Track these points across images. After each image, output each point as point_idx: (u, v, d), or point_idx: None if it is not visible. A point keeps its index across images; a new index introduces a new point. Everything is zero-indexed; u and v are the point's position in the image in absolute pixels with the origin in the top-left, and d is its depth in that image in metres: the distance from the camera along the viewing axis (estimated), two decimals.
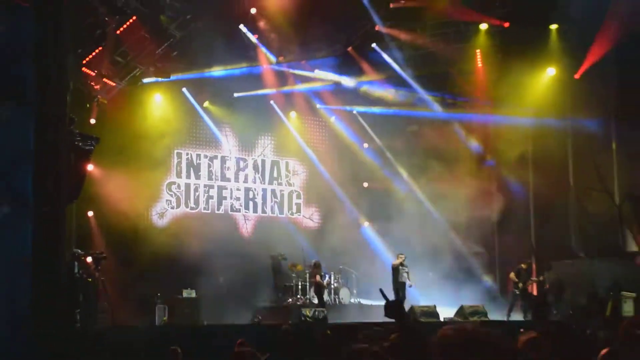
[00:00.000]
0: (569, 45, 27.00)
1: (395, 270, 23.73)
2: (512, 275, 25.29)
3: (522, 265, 25.37)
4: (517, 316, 24.85)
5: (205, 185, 30.05)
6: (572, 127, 27.79)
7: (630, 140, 25.99)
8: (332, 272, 27.07)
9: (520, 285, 24.78)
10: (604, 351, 5.62)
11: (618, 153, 26.61)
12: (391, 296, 19.12)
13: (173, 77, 27.57)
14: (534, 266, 28.03)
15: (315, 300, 25.54)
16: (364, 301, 27.00)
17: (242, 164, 30.96)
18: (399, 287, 23.57)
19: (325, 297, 26.15)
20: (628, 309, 23.68)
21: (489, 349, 3.13)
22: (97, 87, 25.37)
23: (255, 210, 31.00)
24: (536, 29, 26.87)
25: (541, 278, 26.40)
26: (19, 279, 12.81)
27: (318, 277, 24.75)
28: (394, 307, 4.76)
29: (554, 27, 27.00)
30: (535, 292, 27.07)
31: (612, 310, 24.25)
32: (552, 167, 28.16)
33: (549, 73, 27.98)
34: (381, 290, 5.01)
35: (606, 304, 24.96)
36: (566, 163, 28.26)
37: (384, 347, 6.62)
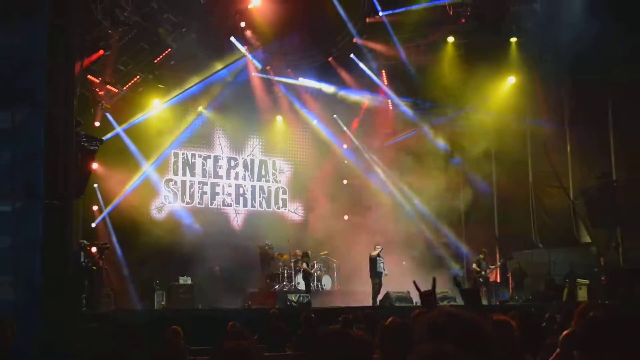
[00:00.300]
0: (526, 56, 27.10)
1: (373, 261, 23.71)
2: (474, 266, 25.36)
3: (480, 255, 25.42)
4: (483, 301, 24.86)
5: (199, 182, 30.08)
6: (531, 130, 27.88)
7: (582, 141, 26.12)
8: (315, 261, 27.04)
9: (483, 273, 24.80)
10: (565, 332, 5.62)
11: (572, 153, 26.71)
12: (369, 285, 19.06)
13: (170, 84, 27.56)
14: (497, 255, 28.09)
15: (301, 287, 25.53)
16: (344, 287, 27.03)
17: (233, 163, 31.00)
18: (377, 276, 23.53)
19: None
20: (582, 294, 23.80)
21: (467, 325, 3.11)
22: (101, 93, 25.33)
23: (245, 205, 31.05)
24: (497, 41, 26.96)
25: (498, 264, 26.44)
26: (32, 263, 12.77)
27: (304, 265, 24.69)
28: (472, 293, 4.81)
29: (513, 40, 27.08)
30: (498, 279, 27.14)
31: (568, 295, 24.38)
32: (513, 165, 28.24)
33: (510, 81, 28.05)
34: (455, 278, 5.11)
35: (562, 290, 25.09)
36: (526, 162, 28.35)
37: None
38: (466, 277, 28.86)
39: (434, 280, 5.11)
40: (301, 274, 25.95)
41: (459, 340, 2.86)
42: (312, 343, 4.05)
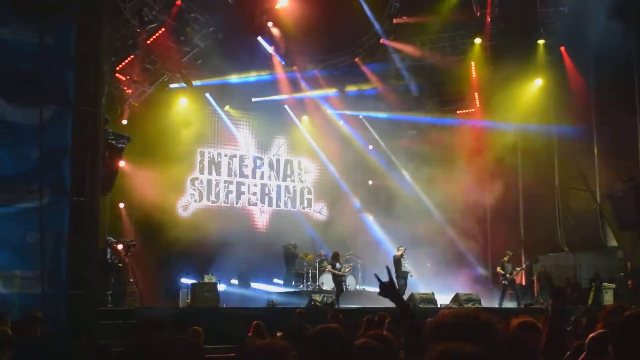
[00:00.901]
0: (554, 58, 27.00)
1: (397, 262, 23.62)
2: (498, 269, 25.15)
3: (505, 258, 25.20)
4: (508, 304, 24.71)
5: (225, 181, 30.17)
6: (557, 132, 27.69)
7: (609, 143, 25.93)
8: (345, 263, 26.99)
9: (508, 276, 24.65)
10: (591, 335, 5.57)
11: (599, 155, 26.50)
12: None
13: (197, 83, 27.69)
14: (522, 258, 27.92)
15: (325, 287, 25.50)
16: (368, 288, 26.95)
17: (258, 162, 31.04)
18: (402, 276, 23.42)
19: (333, 283, 26.15)
20: (608, 298, 23.62)
21: (482, 326, 3.10)
22: (129, 91, 25.53)
23: (270, 205, 31.11)
24: (525, 43, 26.88)
25: (524, 266, 26.25)
26: (59, 258, 12.86)
27: (330, 267, 24.45)
28: (387, 286, 4.72)
29: (540, 42, 26.97)
30: (523, 282, 26.99)
31: (594, 299, 24.20)
32: (540, 167, 28.13)
33: (537, 83, 27.92)
34: (376, 275, 4.98)
35: (588, 294, 24.92)
36: (552, 165, 28.18)
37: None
38: (491, 280, 28.77)
39: (387, 268, 5.01)
40: (329, 276, 25.99)
41: (463, 339, 2.86)
42: (301, 338, 4.07)
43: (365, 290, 26.61)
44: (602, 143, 26.40)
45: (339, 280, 23.36)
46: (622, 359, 2.83)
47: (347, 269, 24.05)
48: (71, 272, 13.40)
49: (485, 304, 23.19)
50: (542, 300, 24.22)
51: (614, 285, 24.33)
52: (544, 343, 5.13)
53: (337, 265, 23.50)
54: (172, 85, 27.43)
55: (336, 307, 20.91)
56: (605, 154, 26.25)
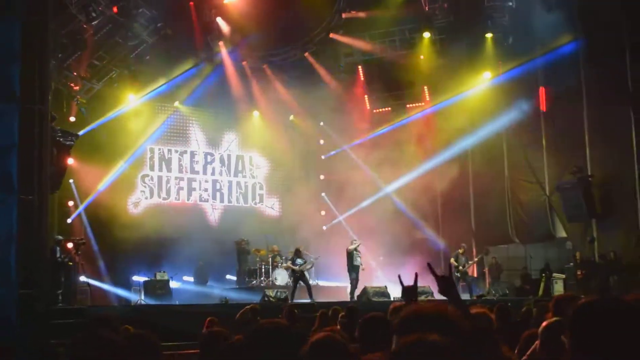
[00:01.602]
0: (502, 51, 27.29)
1: (350, 255, 23.66)
2: (452, 260, 25.34)
3: (459, 250, 25.43)
4: (463, 296, 24.91)
5: (176, 178, 30.01)
6: (507, 125, 27.95)
7: (557, 136, 26.28)
8: (304, 258, 26.99)
9: (460, 268, 24.85)
10: (544, 323, 5.65)
11: (547, 148, 26.85)
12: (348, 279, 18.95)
13: (145, 79, 27.44)
14: (474, 250, 28.17)
15: (279, 282, 25.51)
16: (321, 282, 27.02)
17: (209, 158, 30.96)
18: (354, 270, 23.47)
19: (287, 279, 26.16)
20: (558, 288, 23.91)
21: (449, 320, 3.14)
22: (77, 88, 25.23)
23: (222, 200, 31.03)
24: (473, 37, 27.12)
25: (477, 259, 26.51)
26: (8, 258, 12.72)
27: (289, 263, 24.26)
28: (446, 283, 4.66)
29: (489, 35, 27.24)
30: (475, 273, 27.22)
31: (544, 290, 24.51)
32: (490, 160, 28.41)
33: (485, 76, 28.18)
34: (399, 277, 5.08)
35: (538, 284, 25.23)
36: (502, 157, 28.47)
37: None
38: (444, 271, 28.96)
39: (416, 275, 5.13)
40: (282, 271, 25.98)
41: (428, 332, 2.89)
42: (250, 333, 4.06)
43: (318, 284, 26.67)
44: (550, 135, 26.74)
45: (296, 276, 23.20)
46: (576, 348, 2.86)
47: (309, 266, 23.79)
48: (21, 272, 13.26)
49: (437, 296, 23.32)
50: (493, 292, 24.46)
51: (564, 276, 24.65)
52: (495, 332, 5.20)
53: (298, 260, 23.31)
54: (120, 82, 27.13)
55: (290, 302, 20.88)
56: (554, 145, 26.61)
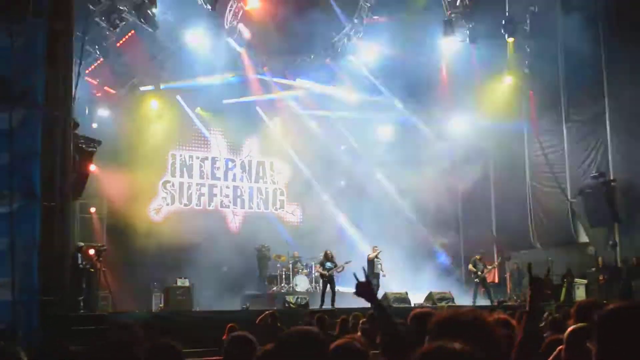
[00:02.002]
0: (524, 56, 27.20)
1: (371, 262, 23.59)
2: (470, 266, 25.29)
3: (477, 256, 25.31)
4: (482, 301, 24.82)
5: (197, 184, 30.09)
6: (528, 130, 27.85)
7: (579, 140, 26.15)
8: (312, 263, 26.96)
9: (479, 274, 24.75)
10: (570, 328, 5.59)
11: (569, 152, 26.70)
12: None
13: (168, 85, 27.58)
14: (495, 255, 28.06)
15: (299, 288, 25.55)
16: (342, 289, 26.90)
17: (230, 164, 31.01)
18: (375, 277, 23.41)
19: (308, 285, 26.15)
20: (580, 294, 23.76)
21: (481, 327, 3.12)
22: (99, 94, 25.31)
23: (242, 206, 31.07)
24: (495, 42, 27.02)
25: (495, 264, 26.42)
26: (30, 264, 12.74)
27: (318, 267, 24.21)
28: (363, 286, 4.73)
29: (510, 40, 27.14)
30: (496, 279, 27.10)
31: (566, 295, 24.35)
32: (511, 166, 28.30)
33: (507, 81, 28.09)
34: (355, 274, 4.96)
35: (560, 290, 25.07)
36: (523, 161, 28.35)
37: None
38: (464, 279, 28.93)
39: (363, 269, 5.04)
40: (303, 277, 26.03)
41: (463, 338, 2.85)
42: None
43: (339, 290, 26.59)
44: (572, 139, 26.60)
45: (324, 280, 23.05)
46: (603, 355, 2.82)
47: (339, 269, 23.51)
48: (42, 278, 13.28)
49: (458, 301, 23.25)
50: (514, 297, 24.34)
51: (585, 281, 24.49)
52: (519, 339, 5.15)
53: (328, 264, 23.17)
54: (142, 88, 27.25)
55: (321, 307, 20.82)
56: (576, 150, 26.47)
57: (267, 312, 13.26)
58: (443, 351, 2.72)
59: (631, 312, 2.84)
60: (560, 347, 5.65)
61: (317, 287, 26.51)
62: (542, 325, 12.18)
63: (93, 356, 3.77)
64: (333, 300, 22.13)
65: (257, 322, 14.39)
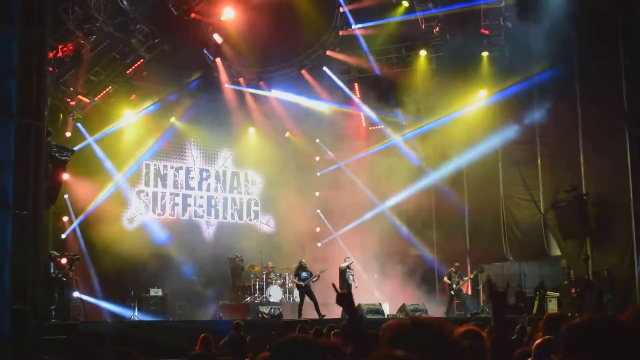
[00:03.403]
0: (498, 69, 27.39)
1: (342, 273, 23.62)
2: (445, 279, 25.46)
3: (452, 269, 25.45)
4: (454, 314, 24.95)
5: (171, 194, 29.96)
6: (502, 143, 28.04)
7: (552, 154, 26.36)
8: (287, 273, 26.97)
9: (454, 286, 24.87)
10: (538, 341, 5.66)
11: (542, 166, 26.92)
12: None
13: (142, 94, 27.50)
14: (468, 268, 28.18)
15: (273, 299, 25.55)
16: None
17: (205, 174, 30.95)
18: (346, 288, 23.37)
19: (281, 295, 26.14)
20: (552, 307, 23.92)
21: (430, 331, 3.16)
22: (73, 103, 25.23)
23: (217, 217, 30.99)
24: (469, 55, 27.21)
25: (471, 276, 26.58)
26: (2, 273, 12.68)
27: (293, 277, 24.14)
28: (344, 296, 4.85)
29: (484, 54, 27.38)
30: (469, 291, 27.23)
31: (538, 308, 24.51)
32: (485, 178, 28.41)
33: (481, 94, 28.28)
34: (333, 285, 5.05)
35: (533, 302, 25.24)
36: (497, 175, 28.51)
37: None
38: (437, 289, 29.06)
39: (333, 285, 5.20)
40: (276, 287, 26.04)
41: (421, 347, 2.89)
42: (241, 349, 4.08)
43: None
44: (546, 153, 26.81)
45: (302, 290, 22.99)
46: None
47: (315, 278, 23.43)
48: (14, 287, 13.22)
49: (432, 314, 23.33)
50: (487, 310, 24.45)
51: (558, 294, 24.66)
52: (488, 351, 5.20)
53: (303, 274, 23.14)
54: (116, 97, 27.12)
55: (299, 318, 20.73)
56: (549, 163, 26.68)
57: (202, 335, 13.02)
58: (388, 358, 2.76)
59: (594, 326, 2.89)
60: (529, 359, 5.72)
61: (291, 298, 26.55)
62: (513, 337, 12.30)
63: None
64: (318, 309, 22.04)
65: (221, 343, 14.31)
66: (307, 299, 22.74)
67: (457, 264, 25.89)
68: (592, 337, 2.86)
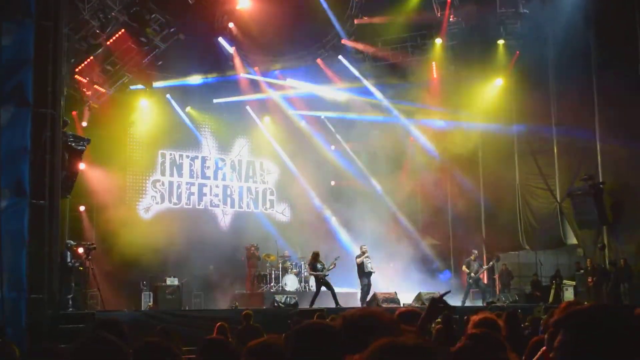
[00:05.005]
0: (513, 58, 27.28)
1: (360, 264, 23.53)
2: (464, 267, 25.46)
3: (471, 257, 25.42)
4: (471, 302, 24.90)
5: (187, 183, 30.04)
6: (518, 131, 27.98)
7: (569, 143, 26.22)
8: (302, 262, 26.98)
9: (472, 274, 24.83)
10: (550, 329, 5.64)
11: (559, 155, 26.82)
12: (358, 284, 18.92)
13: (158, 84, 27.60)
14: (484, 257, 28.13)
15: (289, 288, 25.56)
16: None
17: (220, 164, 30.99)
18: (365, 276, 23.33)
19: (297, 284, 26.15)
20: (569, 295, 23.88)
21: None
22: (89, 93, 25.30)
23: (232, 206, 31.05)
24: (485, 43, 27.11)
25: (490, 265, 26.53)
26: (19, 262, 12.76)
27: (309, 269, 24.11)
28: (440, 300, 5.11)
29: (501, 42, 27.24)
30: (485, 280, 27.19)
31: (554, 297, 24.45)
32: (501, 167, 28.34)
33: (497, 83, 28.19)
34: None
35: (549, 291, 25.18)
36: (513, 164, 28.44)
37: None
38: (454, 277, 29.04)
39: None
40: (292, 276, 26.08)
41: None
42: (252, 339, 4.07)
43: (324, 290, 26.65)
44: (562, 142, 26.70)
45: (320, 281, 22.93)
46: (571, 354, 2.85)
47: (331, 266, 23.36)
48: (31, 276, 13.30)
49: (449, 302, 23.24)
50: (503, 299, 24.41)
51: (574, 283, 24.61)
52: (503, 339, 5.19)
53: (318, 265, 23.11)
54: (132, 87, 27.20)
55: (311, 307, 20.71)
56: (565, 152, 26.57)
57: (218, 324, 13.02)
58: (396, 347, 2.75)
59: (598, 314, 2.86)
60: (543, 348, 5.70)
61: (307, 287, 26.56)
62: (528, 324, 12.30)
63: (78, 354, 3.74)
64: (336, 299, 21.98)
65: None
66: (323, 288, 22.71)
67: (475, 251, 25.86)
68: (593, 325, 2.83)
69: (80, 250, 21.39)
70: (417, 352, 2.73)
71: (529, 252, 28.41)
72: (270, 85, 30.58)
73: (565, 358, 2.77)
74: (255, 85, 30.22)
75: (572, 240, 26.72)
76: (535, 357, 5.98)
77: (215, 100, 29.41)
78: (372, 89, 30.55)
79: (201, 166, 30.55)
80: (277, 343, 3.99)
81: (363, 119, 31.01)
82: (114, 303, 23.20)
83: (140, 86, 27.28)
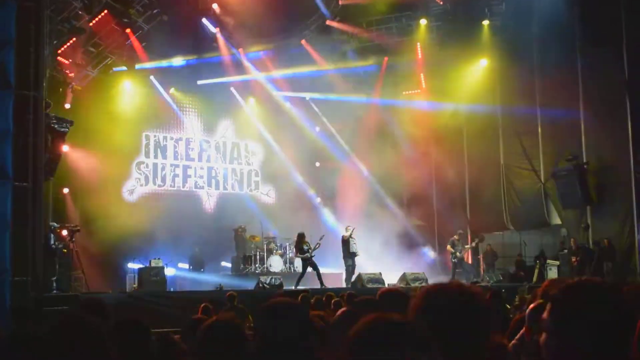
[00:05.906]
0: (499, 39, 27.30)
1: (346, 242, 23.61)
2: (448, 247, 25.56)
3: (455, 237, 25.53)
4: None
5: (171, 165, 29.98)
6: (502, 112, 28.06)
7: (553, 123, 26.29)
8: (287, 243, 27.06)
9: (457, 254, 24.95)
10: (530, 306, 5.67)
11: (543, 135, 26.91)
12: (342, 265, 18.99)
13: (141, 65, 27.45)
14: (469, 237, 28.24)
15: (273, 269, 25.64)
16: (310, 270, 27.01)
17: (205, 145, 30.93)
18: (350, 257, 23.44)
19: (282, 265, 26.23)
20: (552, 275, 23.98)
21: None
22: (72, 74, 25.16)
23: (217, 188, 31.06)
24: (470, 24, 27.13)
25: (473, 244, 26.67)
26: (2, 245, 12.73)
27: (296, 252, 24.13)
28: None
29: (485, 22, 27.27)
30: (469, 260, 27.30)
31: (538, 276, 24.58)
32: (485, 147, 28.44)
33: (482, 64, 28.24)
34: None
35: (533, 271, 25.32)
36: (497, 144, 28.54)
37: None
38: (438, 258, 29.18)
39: None
40: (277, 257, 26.17)
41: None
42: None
43: (312, 271, 26.69)
44: (546, 122, 26.77)
45: (306, 262, 22.97)
46: (557, 331, 2.87)
47: (317, 246, 23.37)
48: (15, 258, 13.28)
49: (432, 282, 23.35)
50: (487, 278, 24.52)
51: (558, 262, 24.74)
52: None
53: (304, 247, 23.11)
54: (115, 69, 27.06)
55: (296, 288, 20.75)
56: (549, 133, 26.66)
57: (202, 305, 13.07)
58: (383, 322, 2.76)
59: (586, 288, 2.88)
60: (524, 327, 5.74)
61: (292, 268, 26.65)
62: (513, 304, 12.38)
63: (57, 335, 3.70)
64: (321, 280, 22.12)
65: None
66: (309, 269, 22.80)
67: (460, 231, 26.00)
68: (581, 299, 2.84)
69: (64, 232, 21.31)
70: (404, 328, 2.75)
71: (514, 233, 28.54)
72: (255, 66, 30.48)
73: (558, 331, 2.80)
74: (239, 67, 30.10)
75: (557, 220, 26.87)
76: (518, 335, 6.02)
77: (199, 82, 29.28)
78: (357, 69, 30.52)
79: (185, 148, 30.49)
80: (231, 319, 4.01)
81: (348, 99, 30.96)
82: (99, 285, 23.18)
83: (123, 68, 27.14)
